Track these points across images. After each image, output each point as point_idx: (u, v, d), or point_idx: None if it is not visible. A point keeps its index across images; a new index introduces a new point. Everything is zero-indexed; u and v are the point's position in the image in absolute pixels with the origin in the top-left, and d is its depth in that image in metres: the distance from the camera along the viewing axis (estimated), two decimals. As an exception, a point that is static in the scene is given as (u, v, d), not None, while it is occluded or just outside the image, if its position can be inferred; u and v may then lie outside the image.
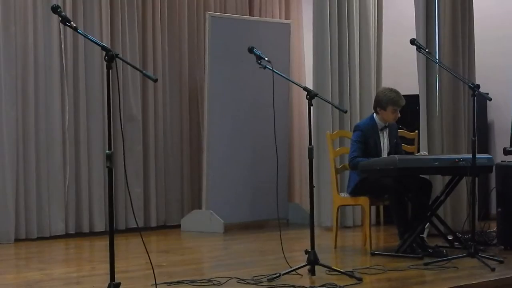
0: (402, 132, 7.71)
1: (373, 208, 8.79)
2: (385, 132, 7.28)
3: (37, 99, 8.41)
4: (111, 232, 4.66)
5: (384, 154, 7.22)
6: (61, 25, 8.28)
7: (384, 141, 7.27)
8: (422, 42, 7.78)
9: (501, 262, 6.32)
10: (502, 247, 7.12)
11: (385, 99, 7.15)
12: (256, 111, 9.26)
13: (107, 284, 4.63)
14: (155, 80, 4.83)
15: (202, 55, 9.52)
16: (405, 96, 7.31)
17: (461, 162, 6.67)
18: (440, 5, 8.25)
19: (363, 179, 7.07)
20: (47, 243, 8.12)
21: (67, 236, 8.51)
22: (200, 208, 9.19)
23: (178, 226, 9.22)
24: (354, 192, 7.23)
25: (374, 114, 7.27)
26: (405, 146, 7.66)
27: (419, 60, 8.13)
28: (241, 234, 8.80)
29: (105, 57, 4.60)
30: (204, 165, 9.12)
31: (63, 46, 8.57)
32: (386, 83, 9.08)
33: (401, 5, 9.86)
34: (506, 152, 7.63)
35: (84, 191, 8.72)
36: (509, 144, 8.13)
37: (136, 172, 9.07)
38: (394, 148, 7.30)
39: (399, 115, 7.21)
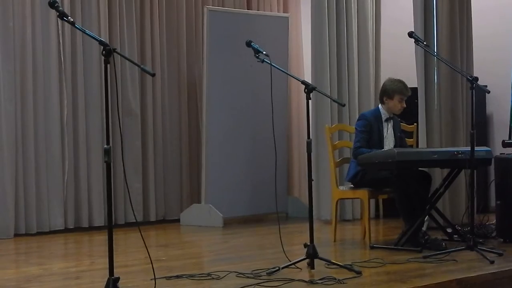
0: (401, 125, 7.71)
1: (372, 201, 8.78)
2: (389, 124, 7.28)
3: (35, 94, 8.40)
4: (110, 227, 4.67)
5: (387, 145, 7.21)
6: (59, 20, 8.25)
7: (388, 132, 7.27)
8: (420, 35, 7.76)
9: (500, 254, 6.32)
10: (501, 239, 7.12)
11: (392, 88, 7.19)
12: (254, 105, 9.25)
13: (106, 279, 4.63)
14: (153, 75, 4.85)
15: (200, 49, 9.51)
16: (404, 89, 7.33)
17: (460, 155, 6.67)
18: (438, -3, 8.25)
19: (363, 170, 7.07)
20: (47, 238, 8.12)
21: (66, 230, 8.52)
22: (199, 202, 9.18)
23: (177, 220, 9.22)
24: (353, 180, 7.23)
25: (380, 105, 7.30)
26: (404, 139, 7.66)
27: (417, 53, 8.12)
28: (240, 228, 8.80)
29: (102, 51, 4.59)
30: (203, 159, 9.12)
31: (61, 41, 8.56)
32: (385, 76, 9.01)
33: (399, -2, 9.85)
34: (505, 144, 7.63)
35: (83, 186, 8.72)
36: (507, 136, 8.12)
37: (135, 166, 9.07)
38: (399, 142, 7.29)
39: (405, 105, 7.22)
